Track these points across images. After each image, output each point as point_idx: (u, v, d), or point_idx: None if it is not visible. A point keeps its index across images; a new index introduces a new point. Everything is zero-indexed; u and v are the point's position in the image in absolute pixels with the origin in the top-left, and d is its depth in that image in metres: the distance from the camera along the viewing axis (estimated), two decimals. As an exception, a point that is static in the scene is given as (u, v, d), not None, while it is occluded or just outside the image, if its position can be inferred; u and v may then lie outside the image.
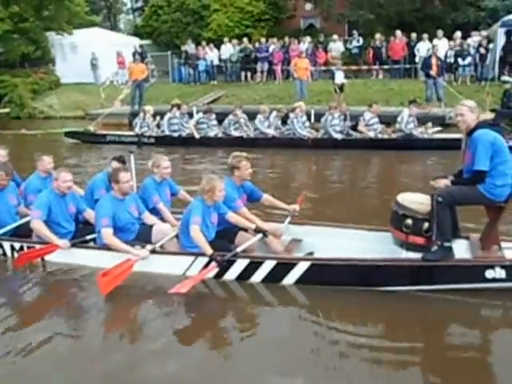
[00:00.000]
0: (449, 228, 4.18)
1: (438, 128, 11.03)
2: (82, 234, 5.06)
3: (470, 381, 3.22)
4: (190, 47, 19.80)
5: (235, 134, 11.38)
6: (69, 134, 13.21)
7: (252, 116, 11.69)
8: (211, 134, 11.65)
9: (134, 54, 19.76)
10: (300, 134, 11.01)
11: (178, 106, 12.12)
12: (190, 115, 12.57)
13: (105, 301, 4.27)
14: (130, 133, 12.45)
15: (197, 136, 11.50)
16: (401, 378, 3.24)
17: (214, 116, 12.02)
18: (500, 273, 4.07)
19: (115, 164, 5.54)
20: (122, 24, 42.21)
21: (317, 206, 6.82)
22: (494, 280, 4.10)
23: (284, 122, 11.50)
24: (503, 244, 4.40)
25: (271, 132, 11.21)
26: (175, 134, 11.82)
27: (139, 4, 36.65)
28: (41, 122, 18.09)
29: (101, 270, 4.36)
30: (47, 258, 4.95)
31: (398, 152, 10.17)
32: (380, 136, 10.72)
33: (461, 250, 4.40)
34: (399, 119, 10.49)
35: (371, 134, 10.61)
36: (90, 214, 5.24)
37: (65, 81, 21.63)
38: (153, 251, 4.63)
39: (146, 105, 15.32)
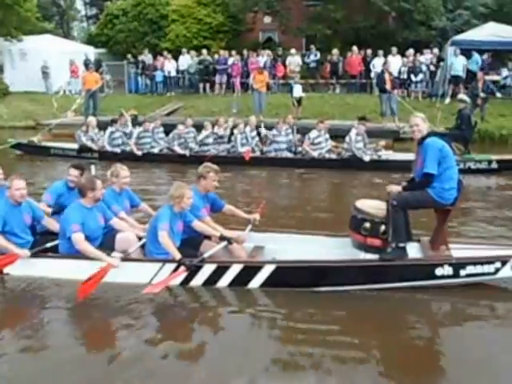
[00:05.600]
0: (403, 230, 4.57)
1: (389, 152, 10.81)
2: (41, 244, 4.93)
3: (421, 370, 3.52)
4: (147, 57, 19.59)
5: (178, 149, 11.02)
6: (15, 146, 12.51)
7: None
8: (156, 148, 11.32)
9: (85, 63, 19.36)
10: (240, 152, 10.65)
11: (120, 118, 11.74)
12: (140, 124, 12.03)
13: (70, 313, 4.28)
14: (74, 146, 11.88)
15: (138, 153, 11.02)
16: (361, 373, 3.44)
17: (161, 129, 11.74)
18: (448, 270, 4.50)
19: (73, 171, 5.46)
20: (75, 32, 41.13)
21: (270, 218, 6.72)
22: (443, 277, 4.51)
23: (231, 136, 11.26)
24: (450, 244, 4.84)
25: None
26: (117, 149, 11.30)
27: (93, 12, 35.97)
28: (-12, 132, 17.27)
29: (64, 280, 4.44)
30: (5, 270, 4.79)
31: (344, 171, 9.99)
32: (327, 155, 10.46)
33: (413, 251, 4.81)
34: (347, 139, 10.22)
35: (315, 154, 10.34)
36: (48, 222, 5.17)
37: (14, 89, 20.72)
38: (123, 258, 4.65)
39: (100, 115, 15.00)
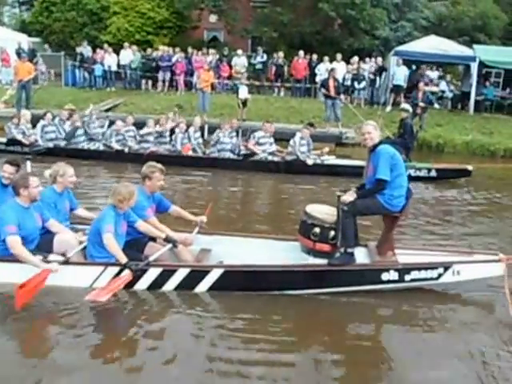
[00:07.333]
0: (352, 236, 4.62)
1: (332, 157, 10.71)
2: None
3: (366, 368, 3.67)
4: (85, 49, 18.67)
5: (116, 145, 10.54)
6: None
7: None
8: (91, 145, 10.82)
9: (17, 52, 18.18)
10: (177, 151, 10.39)
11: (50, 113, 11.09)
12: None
13: (7, 319, 4.04)
14: (3, 139, 11.00)
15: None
16: (308, 372, 3.52)
17: (105, 122, 11.31)
18: (394, 275, 4.61)
19: (8, 168, 5.10)
20: (5, 18, 38.59)
21: (217, 221, 6.53)
22: (389, 281, 4.63)
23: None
24: (396, 250, 4.93)
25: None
26: (50, 144, 10.63)
27: (27, -3, 33.97)
28: None
29: None
30: None
31: (287, 174, 9.86)
32: (270, 158, 10.31)
33: (360, 256, 4.86)
34: (291, 142, 10.15)
35: (260, 154, 10.15)
36: None
37: None
38: (62, 263, 4.45)
39: (34, 108, 14.12)
